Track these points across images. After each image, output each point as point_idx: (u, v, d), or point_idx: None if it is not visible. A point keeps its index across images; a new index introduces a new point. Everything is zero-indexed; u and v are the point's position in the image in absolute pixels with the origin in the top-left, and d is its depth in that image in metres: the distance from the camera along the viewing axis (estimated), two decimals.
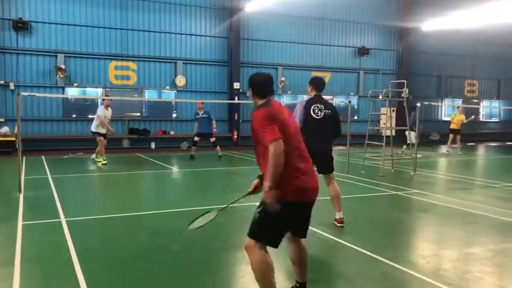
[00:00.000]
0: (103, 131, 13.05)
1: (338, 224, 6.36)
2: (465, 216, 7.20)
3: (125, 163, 13.96)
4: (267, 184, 3.31)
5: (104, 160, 13.13)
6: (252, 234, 3.51)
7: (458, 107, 18.96)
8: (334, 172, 6.43)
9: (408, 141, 15.02)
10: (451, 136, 17.88)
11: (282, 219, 3.45)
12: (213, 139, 14.55)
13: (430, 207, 7.91)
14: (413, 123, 13.18)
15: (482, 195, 9.10)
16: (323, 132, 6.21)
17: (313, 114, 6.21)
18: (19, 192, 8.38)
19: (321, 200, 8.37)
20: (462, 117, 17.93)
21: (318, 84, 6.47)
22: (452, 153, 17.35)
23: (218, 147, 14.70)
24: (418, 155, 12.43)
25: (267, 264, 3.44)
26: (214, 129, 14.58)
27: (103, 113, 12.92)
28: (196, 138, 14.48)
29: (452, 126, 17.93)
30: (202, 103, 14.88)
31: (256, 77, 3.73)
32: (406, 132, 14.99)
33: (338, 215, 6.44)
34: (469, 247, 5.62)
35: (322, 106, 6.30)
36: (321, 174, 5.98)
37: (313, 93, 6.48)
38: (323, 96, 6.55)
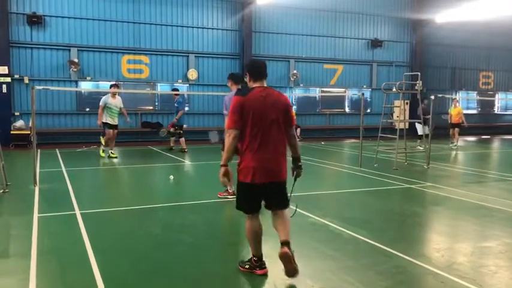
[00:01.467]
0: (111, 121, 12.74)
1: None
2: (479, 210, 7.13)
3: (137, 156, 14.04)
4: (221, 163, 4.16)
5: (103, 152, 13.11)
6: (236, 204, 4.42)
7: (454, 99, 18.65)
8: None
9: (420, 133, 14.69)
10: (451, 131, 17.64)
11: (244, 195, 4.30)
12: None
13: (443, 200, 7.85)
14: (423, 113, 12.97)
15: (496, 188, 9.00)
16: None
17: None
18: (34, 185, 8.49)
19: (335, 193, 8.36)
20: (459, 109, 17.63)
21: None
22: (459, 147, 17.10)
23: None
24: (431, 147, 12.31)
25: (252, 229, 4.33)
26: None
27: (103, 102, 12.58)
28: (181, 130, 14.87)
29: (451, 120, 17.62)
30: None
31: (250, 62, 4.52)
32: (416, 125, 14.70)
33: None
34: (483, 241, 5.57)
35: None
36: None
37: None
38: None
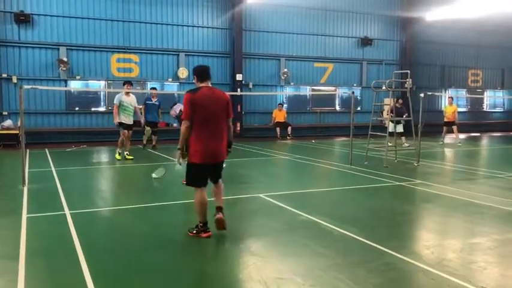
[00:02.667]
0: (126, 120, 12.09)
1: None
2: (469, 207, 7.18)
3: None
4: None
5: (119, 155, 12.39)
6: (186, 182, 5.55)
7: (449, 98, 18.78)
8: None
9: (390, 130, 13.94)
10: (445, 129, 17.76)
11: (195, 173, 5.34)
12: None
13: (434, 197, 7.90)
14: (396, 112, 13.22)
15: (486, 185, 9.08)
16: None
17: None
18: (23, 185, 8.41)
19: (326, 191, 8.37)
20: (454, 107, 17.76)
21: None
22: (447, 144, 17.25)
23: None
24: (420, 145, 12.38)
25: (200, 201, 5.35)
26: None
27: (118, 100, 11.99)
28: (147, 128, 14.86)
29: (445, 119, 17.72)
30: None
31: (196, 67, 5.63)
32: (388, 124, 13.99)
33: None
34: (473, 237, 5.61)
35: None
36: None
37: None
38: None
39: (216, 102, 5.30)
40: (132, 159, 12.28)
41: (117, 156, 12.47)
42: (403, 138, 16.00)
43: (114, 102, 12.09)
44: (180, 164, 5.35)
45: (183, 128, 5.21)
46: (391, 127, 13.15)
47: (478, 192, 8.17)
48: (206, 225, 5.39)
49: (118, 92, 12.38)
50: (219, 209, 5.42)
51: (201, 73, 5.47)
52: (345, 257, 4.81)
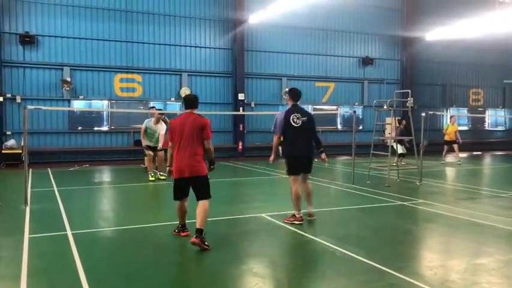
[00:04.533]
0: (150, 143, 12.19)
1: (309, 218, 7.11)
2: (472, 226, 7.15)
3: (130, 175, 13.95)
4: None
5: (152, 176, 12.20)
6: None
7: (451, 117, 18.79)
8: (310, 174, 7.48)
9: (401, 151, 14.93)
10: (445, 148, 17.73)
11: (174, 187, 6.12)
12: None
13: (436, 217, 7.87)
14: (400, 134, 13.44)
15: (489, 204, 9.04)
16: (302, 139, 7.13)
17: (292, 123, 7.07)
18: (25, 205, 8.41)
19: (328, 210, 8.34)
20: (456, 127, 17.76)
21: (294, 94, 7.32)
22: (448, 163, 17.21)
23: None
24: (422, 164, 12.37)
25: (178, 209, 6.26)
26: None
27: (145, 125, 12.17)
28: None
29: (446, 138, 17.73)
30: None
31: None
32: (394, 144, 14.62)
33: (309, 209, 7.28)
34: (476, 258, 5.58)
35: (300, 114, 7.12)
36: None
37: (291, 103, 7.30)
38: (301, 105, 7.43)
39: (190, 126, 5.93)
40: (165, 179, 11.93)
41: (150, 178, 12.17)
42: (396, 158, 16.02)
43: (142, 125, 12.37)
44: (171, 180, 6.21)
45: (168, 148, 6.23)
46: (400, 149, 13.79)
47: (481, 212, 8.13)
48: (184, 226, 6.34)
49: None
50: (197, 231, 5.70)
51: (186, 102, 6.21)
52: (348, 278, 4.78)
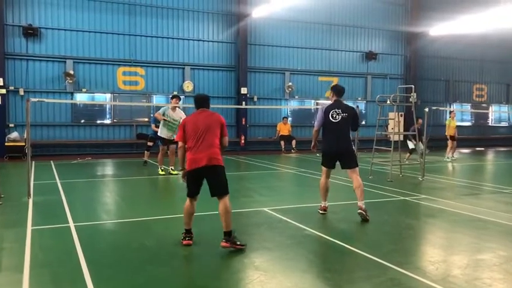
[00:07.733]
0: (167, 136, 11.65)
1: (359, 210, 6.99)
2: (474, 222, 7.14)
3: (132, 168, 13.96)
4: None
5: (162, 170, 11.95)
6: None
7: (451, 112, 18.69)
8: (357, 168, 7.40)
9: (412, 147, 15.08)
10: (450, 143, 17.63)
11: (188, 182, 5.67)
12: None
13: (438, 212, 7.86)
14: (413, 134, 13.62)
15: (491, 200, 9.03)
16: (341, 133, 7.14)
17: (331, 118, 7.13)
18: (28, 197, 8.44)
19: (331, 205, 8.34)
20: (455, 122, 17.64)
21: (336, 90, 7.35)
22: (452, 159, 17.11)
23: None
24: (425, 160, 12.35)
25: (187, 208, 5.69)
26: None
27: (163, 111, 11.58)
28: (151, 143, 13.72)
29: (448, 132, 17.61)
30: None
31: (196, 96, 6.09)
32: (408, 142, 15.24)
33: (360, 203, 7.08)
34: (478, 253, 5.57)
35: (340, 110, 7.14)
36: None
37: (333, 99, 7.34)
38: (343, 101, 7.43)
39: (203, 121, 5.69)
40: (177, 174, 11.58)
41: (161, 172, 11.98)
42: (408, 154, 15.98)
43: (159, 112, 11.78)
44: (184, 181, 5.75)
45: (178, 146, 5.99)
46: (411, 145, 14.15)
47: (483, 208, 8.12)
48: (188, 232, 5.68)
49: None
50: (225, 234, 5.41)
51: (197, 102, 5.96)
52: (349, 273, 4.78)
